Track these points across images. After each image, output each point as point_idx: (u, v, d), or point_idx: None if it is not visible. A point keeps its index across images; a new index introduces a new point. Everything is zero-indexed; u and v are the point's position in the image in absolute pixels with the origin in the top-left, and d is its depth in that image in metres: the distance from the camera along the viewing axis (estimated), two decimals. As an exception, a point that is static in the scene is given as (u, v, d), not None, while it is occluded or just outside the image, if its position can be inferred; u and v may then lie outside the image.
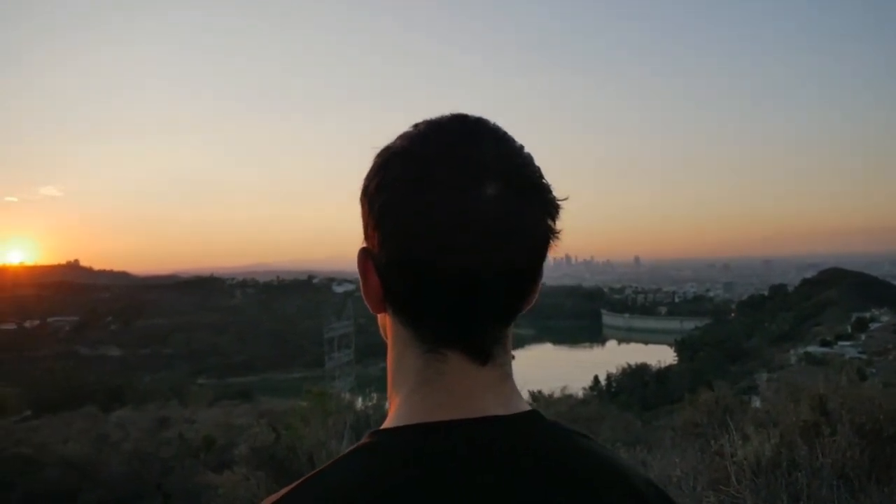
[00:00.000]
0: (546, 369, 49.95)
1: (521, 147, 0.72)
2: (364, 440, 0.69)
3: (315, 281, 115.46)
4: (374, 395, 12.95)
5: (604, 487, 0.68)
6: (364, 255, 0.72)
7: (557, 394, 15.40)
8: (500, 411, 0.69)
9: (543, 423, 0.71)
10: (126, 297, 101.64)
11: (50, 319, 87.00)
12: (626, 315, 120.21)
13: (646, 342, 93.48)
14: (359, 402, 12.28)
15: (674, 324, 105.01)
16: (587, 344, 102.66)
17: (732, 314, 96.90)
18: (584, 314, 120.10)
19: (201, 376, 65.63)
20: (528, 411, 0.72)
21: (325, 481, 0.66)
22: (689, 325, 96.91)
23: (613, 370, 55.01)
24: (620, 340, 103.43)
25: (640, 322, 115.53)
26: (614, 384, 52.72)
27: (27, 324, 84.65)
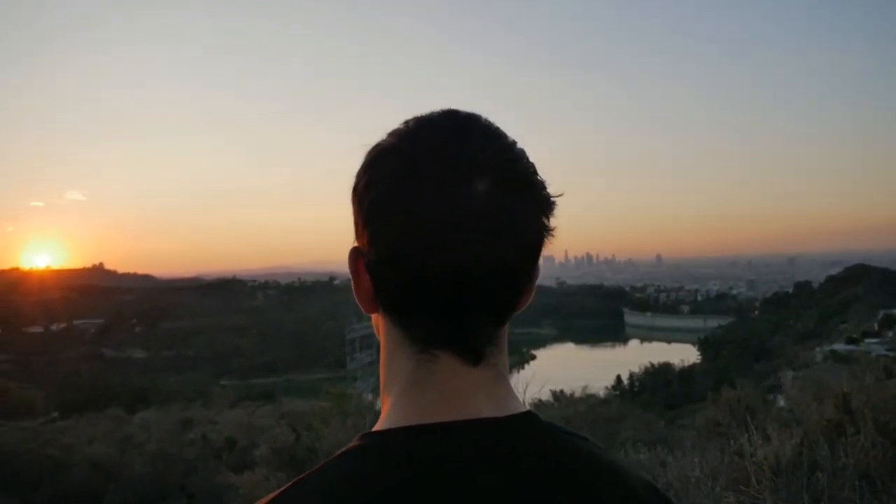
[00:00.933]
0: (568, 369, 49.75)
1: (514, 142, 0.71)
2: (354, 442, 0.67)
3: (336, 282, 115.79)
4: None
5: (604, 490, 0.67)
6: (354, 254, 0.71)
7: (579, 393, 15.33)
8: (494, 413, 0.68)
9: (538, 425, 0.70)
10: (150, 299, 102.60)
11: (76, 322, 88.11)
12: (649, 314, 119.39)
13: (668, 341, 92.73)
14: (379, 403, 12.26)
15: (697, 322, 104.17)
16: (609, 343, 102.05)
17: (756, 312, 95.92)
18: (605, 313, 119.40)
19: (224, 377, 66.11)
20: (523, 413, 0.70)
21: (315, 484, 0.64)
22: (713, 323, 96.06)
23: (636, 369, 54.66)
24: (643, 339, 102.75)
25: (662, 321, 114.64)
26: (637, 383, 52.38)
27: (54, 327, 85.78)
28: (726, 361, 54.16)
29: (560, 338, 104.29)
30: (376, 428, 0.68)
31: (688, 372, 52.95)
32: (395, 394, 0.70)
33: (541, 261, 0.73)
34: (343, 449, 0.67)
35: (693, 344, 76.89)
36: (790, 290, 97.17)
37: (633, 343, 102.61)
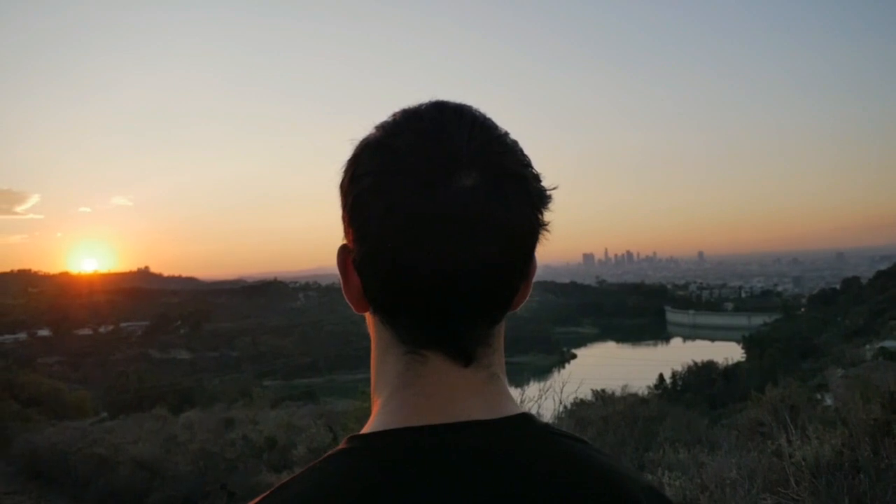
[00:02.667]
0: (609, 368, 49.25)
1: (505, 134, 0.68)
2: (341, 445, 0.66)
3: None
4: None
5: (598, 494, 0.64)
6: (343, 252, 0.69)
7: (619, 392, 15.17)
8: (485, 415, 0.66)
9: (532, 428, 0.67)
10: (194, 301, 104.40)
11: (123, 324, 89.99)
12: (691, 312, 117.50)
13: (712, 339, 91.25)
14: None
15: (741, 320, 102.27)
16: (651, 342, 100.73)
17: (802, 309, 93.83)
18: (647, 312, 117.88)
19: (267, 378, 66.95)
20: (517, 415, 0.68)
21: (298, 487, 0.63)
22: (757, 321, 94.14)
23: (679, 368, 53.89)
24: (685, 338, 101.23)
25: (705, 319, 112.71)
26: (680, 382, 51.62)
27: (102, 329, 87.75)
28: (772, 360, 53.01)
29: (601, 336, 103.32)
30: (364, 430, 0.67)
31: (732, 370, 51.94)
32: (385, 396, 0.68)
33: (537, 257, 0.70)
34: (330, 452, 0.66)
35: (737, 342, 75.51)
36: (837, 287, 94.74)
37: (676, 341, 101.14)
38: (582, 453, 0.67)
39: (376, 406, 0.69)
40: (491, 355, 0.69)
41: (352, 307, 0.71)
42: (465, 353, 0.66)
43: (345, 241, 0.69)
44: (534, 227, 0.67)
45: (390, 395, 0.68)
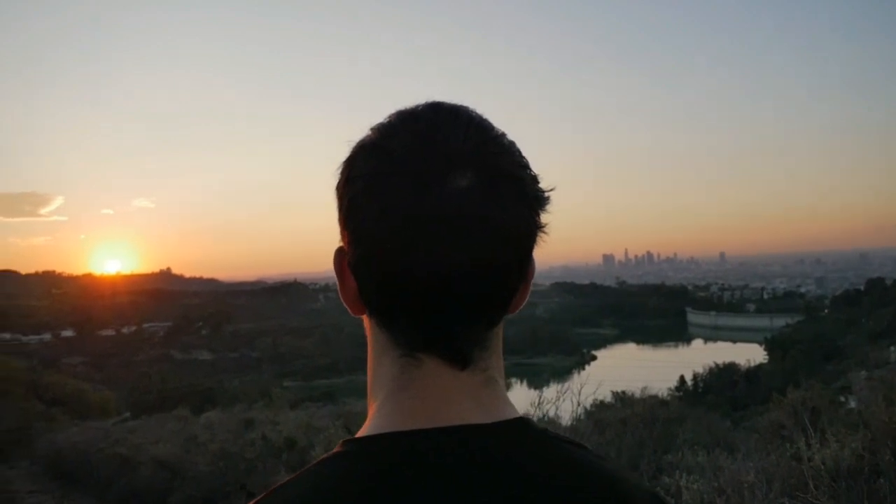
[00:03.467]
0: (629, 369, 48.99)
1: (501, 135, 0.67)
2: (336, 449, 0.65)
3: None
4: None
5: (591, 500, 0.63)
6: (339, 254, 0.69)
7: (639, 394, 15.08)
8: (480, 419, 0.64)
9: (529, 432, 0.66)
10: (215, 303, 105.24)
11: (145, 325, 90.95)
12: (713, 313, 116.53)
13: (734, 341, 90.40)
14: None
15: (763, 321, 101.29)
16: (672, 343, 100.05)
17: (826, 310, 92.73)
18: (667, 313, 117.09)
19: (287, 379, 67.27)
20: (514, 419, 0.67)
21: (291, 491, 0.63)
22: (780, 322, 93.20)
23: (700, 370, 53.46)
24: (707, 339, 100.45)
25: (727, 320, 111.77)
26: (701, 384, 51.23)
27: (125, 330, 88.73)
28: (795, 361, 52.44)
29: (621, 338, 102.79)
30: (359, 434, 0.66)
31: (754, 372, 51.47)
32: (380, 399, 0.68)
33: (535, 258, 0.69)
34: (324, 455, 0.65)
35: (759, 343, 74.83)
36: (861, 287, 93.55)
37: (697, 343, 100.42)
38: (581, 459, 0.66)
39: (372, 409, 0.68)
40: (488, 358, 0.68)
41: (348, 310, 0.70)
42: (460, 355, 0.65)
43: (341, 244, 0.68)
44: (530, 229, 0.66)
45: (385, 399, 0.67)
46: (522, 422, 0.67)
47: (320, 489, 0.62)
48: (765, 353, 67.92)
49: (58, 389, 29.73)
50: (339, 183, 0.67)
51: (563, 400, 7.64)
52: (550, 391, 8.08)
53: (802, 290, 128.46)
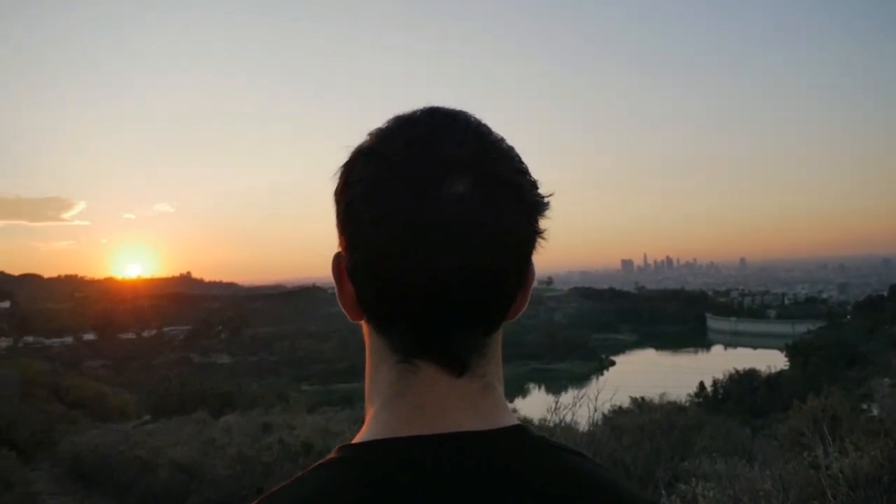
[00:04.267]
0: (648, 375, 48.70)
1: (499, 140, 0.66)
2: (331, 455, 0.65)
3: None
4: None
5: None
6: (337, 259, 0.68)
7: (657, 400, 14.98)
8: (477, 426, 0.64)
9: (527, 440, 0.66)
10: (234, 306, 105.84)
11: (165, 329, 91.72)
12: (733, 319, 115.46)
13: (754, 347, 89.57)
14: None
15: (784, 327, 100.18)
16: (691, 349, 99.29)
17: (848, 316, 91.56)
18: (687, 318, 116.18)
19: (305, 383, 67.51)
20: (512, 426, 0.66)
21: (286, 496, 0.62)
22: (801, 328, 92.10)
23: (720, 376, 52.99)
24: (727, 345, 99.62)
25: (747, 326, 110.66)
26: (721, 391, 50.77)
27: (145, 333, 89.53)
28: (816, 368, 51.82)
29: (640, 343, 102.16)
30: (355, 440, 0.66)
31: (775, 379, 50.89)
32: (377, 405, 0.68)
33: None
34: (320, 461, 0.65)
35: (780, 350, 73.97)
36: (885, 293, 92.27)
37: (717, 349, 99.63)
38: (580, 467, 0.66)
39: (369, 415, 0.68)
40: (486, 365, 0.67)
41: (347, 316, 0.70)
42: (457, 362, 0.65)
43: (339, 249, 0.68)
44: (528, 235, 0.65)
45: (382, 405, 0.67)
46: (520, 429, 0.66)
47: (315, 496, 0.61)
48: (786, 359, 67.18)
49: (79, 392, 30.06)
50: (336, 188, 0.67)
51: (580, 406, 7.62)
52: (568, 397, 8.06)
53: (824, 295, 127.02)
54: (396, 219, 0.61)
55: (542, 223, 0.67)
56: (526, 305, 0.70)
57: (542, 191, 0.67)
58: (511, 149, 0.67)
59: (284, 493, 0.63)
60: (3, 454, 15.04)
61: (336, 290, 0.69)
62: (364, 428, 0.67)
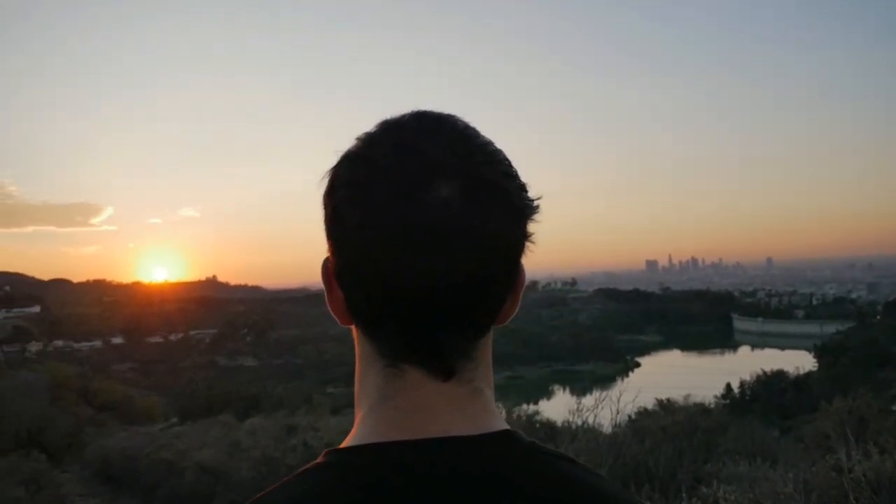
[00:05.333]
0: (674, 376, 48.28)
1: (487, 144, 0.66)
2: (319, 459, 0.65)
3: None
4: (499, 404, 12.99)
5: None
6: (326, 264, 0.69)
7: (681, 402, 14.87)
8: (464, 431, 0.64)
9: (515, 445, 0.65)
10: (260, 309, 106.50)
11: (192, 332, 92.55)
12: (760, 319, 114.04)
13: (781, 347, 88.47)
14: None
15: (812, 328, 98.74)
16: (718, 350, 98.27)
17: (878, 317, 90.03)
18: (713, 319, 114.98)
19: (330, 385, 67.75)
20: (500, 431, 0.66)
21: (271, 501, 0.62)
22: (830, 328, 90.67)
23: (747, 377, 52.37)
24: (754, 346, 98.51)
25: (774, 326, 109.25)
26: (748, 392, 50.16)
27: (172, 336, 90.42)
28: (845, 369, 50.96)
29: (665, 345, 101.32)
30: (343, 444, 0.66)
31: (803, 380, 50.21)
32: (364, 410, 0.68)
33: (525, 267, 0.68)
34: (306, 466, 0.65)
35: (809, 351, 72.91)
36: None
37: (744, 350, 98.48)
38: (570, 473, 0.65)
39: (357, 420, 0.68)
40: (474, 370, 0.67)
41: (336, 320, 0.70)
42: (444, 366, 0.65)
43: (328, 254, 0.68)
44: (515, 238, 0.65)
45: (369, 410, 0.67)
46: (508, 434, 0.66)
47: (302, 500, 0.61)
48: (814, 360, 66.23)
49: (107, 395, 30.43)
50: (324, 192, 0.67)
51: (602, 408, 7.59)
52: (592, 399, 8.03)
53: (853, 295, 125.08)
54: (382, 223, 0.61)
55: (532, 227, 0.66)
56: (517, 309, 0.70)
57: (531, 194, 0.67)
58: (499, 152, 0.67)
59: (270, 498, 0.62)
60: (34, 457, 15.30)
61: (325, 294, 0.69)
62: (352, 432, 0.67)
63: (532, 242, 0.67)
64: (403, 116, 0.67)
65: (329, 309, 0.70)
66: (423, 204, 0.60)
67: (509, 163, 0.67)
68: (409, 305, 0.61)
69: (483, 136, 0.67)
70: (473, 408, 0.66)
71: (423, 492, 0.60)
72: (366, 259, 0.62)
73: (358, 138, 0.67)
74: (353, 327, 0.70)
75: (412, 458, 0.61)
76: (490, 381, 0.70)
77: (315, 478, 0.63)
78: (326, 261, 0.68)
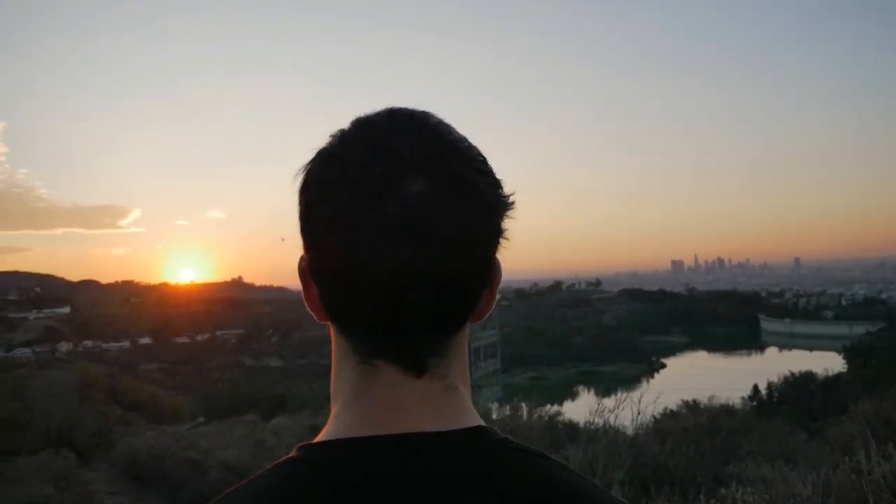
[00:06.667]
0: (700, 378, 47.89)
1: (458, 140, 0.66)
2: (291, 454, 0.65)
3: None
4: (523, 405, 12.95)
5: None
6: (302, 261, 0.69)
7: (705, 403, 14.75)
8: (437, 427, 0.64)
9: (487, 441, 0.65)
10: (285, 310, 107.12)
11: (218, 333, 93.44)
12: (787, 320, 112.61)
13: (810, 349, 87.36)
14: (494, 411, 12.33)
15: (841, 328, 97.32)
16: (745, 351, 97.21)
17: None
18: (739, 320, 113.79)
19: (353, 385, 68.11)
20: (472, 427, 0.65)
21: (243, 494, 0.63)
22: (859, 329, 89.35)
23: (775, 379, 51.74)
24: (781, 347, 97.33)
25: (802, 327, 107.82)
26: (776, 394, 49.56)
27: (199, 337, 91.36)
28: (876, 371, 50.22)
29: (691, 346, 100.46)
30: (316, 440, 0.66)
31: (832, 382, 49.52)
32: (339, 406, 0.68)
33: (500, 264, 0.68)
34: (279, 460, 0.65)
35: (838, 352, 71.98)
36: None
37: (771, 351, 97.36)
38: (542, 469, 0.65)
39: (331, 415, 0.69)
40: (447, 366, 0.67)
41: (314, 317, 0.71)
42: (416, 363, 0.65)
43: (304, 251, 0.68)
44: (484, 234, 0.64)
45: (343, 406, 0.67)
46: (481, 430, 0.66)
47: (272, 494, 0.62)
48: (844, 362, 65.31)
49: (135, 395, 30.73)
50: (298, 189, 0.67)
51: (623, 409, 7.55)
52: (616, 400, 7.99)
53: (884, 295, 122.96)
54: (351, 219, 0.61)
55: (507, 223, 0.66)
56: (493, 306, 0.69)
57: (505, 191, 0.66)
58: (471, 148, 0.66)
59: (243, 491, 0.63)
60: (64, 455, 15.54)
61: (302, 291, 0.70)
62: (325, 428, 0.67)
63: (506, 239, 0.66)
64: (375, 113, 0.67)
65: (306, 306, 0.70)
66: (393, 200, 0.60)
67: (483, 159, 0.66)
68: (379, 302, 0.61)
69: (456, 133, 0.66)
70: (447, 404, 0.66)
71: (391, 487, 0.60)
72: (335, 256, 0.62)
73: (331, 135, 0.67)
74: (329, 324, 0.70)
75: (381, 453, 0.62)
76: (466, 378, 0.70)
77: (285, 472, 0.64)
78: (302, 258, 0.69)
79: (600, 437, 7.09)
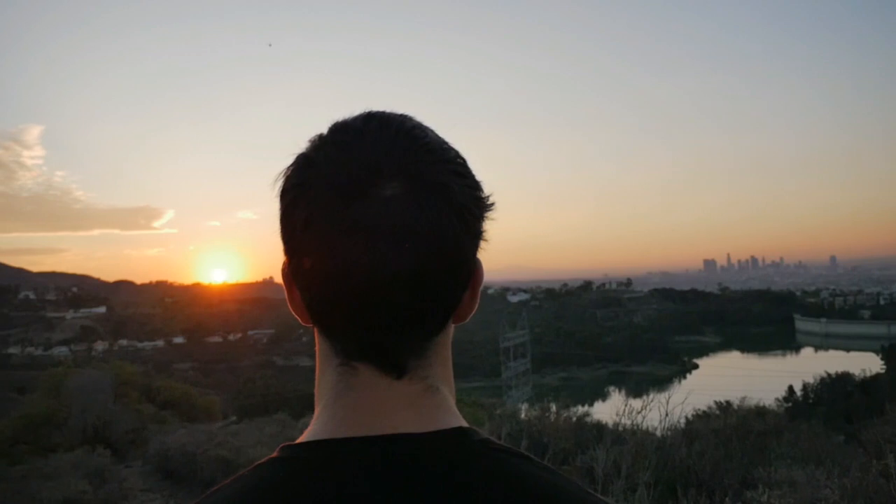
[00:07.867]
0: (733, 378, 47.28)
1: (434, 143, 0.66)
2: (273, 454, 0.67)
3: (490, 291, 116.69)
4: (552, 405, 12.90)
5: None
6: (284, 265, 0.69)
7: (737, 404, 14.54)
8: (415, 428, 0.64)
9: (467, 442, 0.65)
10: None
11: (250, 332, 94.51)
12: (823, 320, 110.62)
13: (847, 349, 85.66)
14: (523, 411, 12.29)
15: (880, 329, 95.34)
16: (779, 351, 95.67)
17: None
18: (774, 320, 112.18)
19: (383, 385, 68.35)
20: (451, 428, 0.66)
21: (225, 493, 0.64)
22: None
23: (810, 380, 50.87)
24: (817, 347, 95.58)
25: (839, 327, 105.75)
26: (812, 395, 48.73)
27: (231, 337, 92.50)
28: (915, 372, 49.14)
29: (724, 346, 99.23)
30: (297, 440, 0.67)
31: (870, 383, 48.53)
32: (321, 406, 0.69)
33: (481, 265, 0.69)
34: (261, 460, 0.66)
35: (875, 352, 70.51)
36: None
37: (807, 351, 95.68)
38: (522, 470, 0.65)
39: (314, 416, 0.70)
40: (427, 367, 0.68)
41: (298, 319, 0.71)
42: (395, 365, 0.66)
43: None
44: (458, 235, 0.64)
45: (324, 407, 0.68)
46: (461, 431, 0.66)
47: (252, 494, 0.63)
48: (882, 362, 64.01)
49: (169, 393, 31.14)
50: (277, 194, 0.68)
51: (651, 409, 7.49)
52: (642, 401, 7.91)
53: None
54: (324, 223, 0.62)
55: (486, 224, 0.67)
56: (475, 307, 0.70)
57: (483, 193, 0.67)
58: (448, 151, 0.67)
59: (225, 490, 0.64)
60: (100, 452, 15.82)
61: (286, 294, 0.70)
62: (308, 429, 0.68)
63: (485, 240, 0.67)
64: (353, 118, 0.68)
65: (289, 308, 0.71)
66: (366, 203, 0.61)
67: (462, 162, 0.67)
68: (356, 304, 0.62)
69: (432, 135, 0.67)
70: (427, 405, 0.67)
71: (372, 488, 0.60)
72: (311, 259, 0.63)
73: (309, 140, 0.68)
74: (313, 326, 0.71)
75: (360, 454, 0.63)
76: (448, 379, 0.71)
77: (266, 472, 0.64)
78: (285, 262, 0.69)
79: (627, 437, 7.03)
